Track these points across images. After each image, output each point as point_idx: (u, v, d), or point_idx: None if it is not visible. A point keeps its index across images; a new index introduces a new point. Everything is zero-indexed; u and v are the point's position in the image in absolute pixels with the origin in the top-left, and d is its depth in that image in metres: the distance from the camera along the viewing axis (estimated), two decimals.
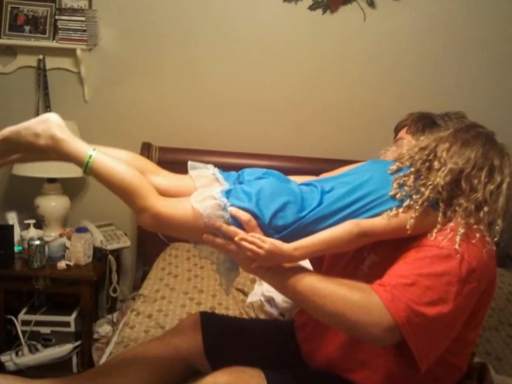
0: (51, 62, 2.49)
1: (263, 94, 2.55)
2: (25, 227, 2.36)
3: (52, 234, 2.44)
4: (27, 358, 2.29)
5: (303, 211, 1.16)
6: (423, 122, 1.42)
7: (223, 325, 1.59)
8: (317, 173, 1.43)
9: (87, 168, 1.16)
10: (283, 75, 2.53)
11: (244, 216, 1.13)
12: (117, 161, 1.18)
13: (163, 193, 1.21)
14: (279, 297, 1.85)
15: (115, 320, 2.36)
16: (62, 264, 2.29)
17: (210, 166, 1.28)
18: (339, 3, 2.44)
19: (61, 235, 2.44)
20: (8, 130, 1.19)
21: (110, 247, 2.40)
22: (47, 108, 2.50)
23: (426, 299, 1.07)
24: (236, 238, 1.12)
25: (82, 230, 2.34)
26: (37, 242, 2.25)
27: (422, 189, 1.16)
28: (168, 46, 2.50)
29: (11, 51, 2.49)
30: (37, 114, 2.45)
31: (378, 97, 2.55)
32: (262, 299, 1.94)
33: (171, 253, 2.41)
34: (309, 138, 2.60)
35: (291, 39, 2.49)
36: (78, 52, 2.38)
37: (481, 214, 1.13)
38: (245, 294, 2.10)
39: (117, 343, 1.76)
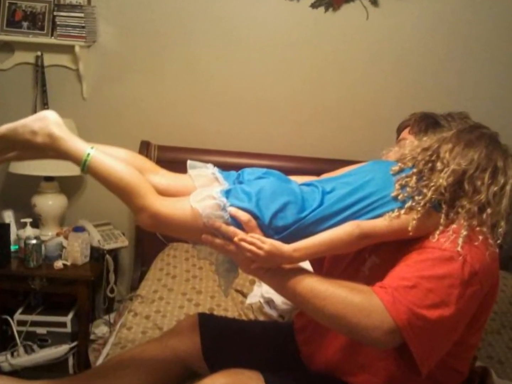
0: (49, 59, 2.49)
1: (264, 93, 2.55)
2: (22, 226, 2.36)
3: (49, 233, 2.44)
4: (23, 359, 2.29)
5: (303, 211, 1.15)
6: (426, 123, 1.42)
7: (221, 326, 1.59)
8: (318, 173, 1.43)
9: (85, 166, 1.15)
10: (284, 74, 2.53)
11: (243, 216, 1.13)
12: (115, 160, 1.18)
13: (162, 193, 1.20)
14: (278, 299, 1.85)
15: (112, 321, 2.36)
16: (59, 264, 2.29)
17: (210, 166, 1.28)
18: (342, 1, 2.44)
19: (58, 234, 2.44)
20: (5, 128, 1.19)
21: (107, 246, 2.40)
22: (45, 105, 2.50)
23: (427, 301, 1.07)
24: (236, 239, 1.12)
25: (79, 229, 2.34)
26: (34, 241, 2.25)
27: (425, 190, 1.16)
28: (168, 44, 2.50)
29: (8, 47, 2.49)
30: (34, 111, 2.45)
31: (380, 96, 2.55)
32: (261, 300, 1.94)
33: (169, 254, 2.41)
34: (310, 138, 2.60)
35: (293, 37, 2.49)
36: (77, 49, 2.38)
37: (484, 216, 1.13)
38: (244, 295, 2.10)
39: (114, 344, 1.76)
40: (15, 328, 2.33)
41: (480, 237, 1.12)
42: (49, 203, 2.43)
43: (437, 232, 1.14)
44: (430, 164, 1.19)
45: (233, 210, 1.14)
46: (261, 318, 1.90)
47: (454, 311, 1.07)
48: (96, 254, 2.39)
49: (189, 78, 2.54)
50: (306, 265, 1.26)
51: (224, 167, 1.30)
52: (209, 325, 1.56)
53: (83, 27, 2.35)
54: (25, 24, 2.39)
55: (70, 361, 2.38)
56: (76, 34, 2.36)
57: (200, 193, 1.17)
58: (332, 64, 2.52)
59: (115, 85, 2.55)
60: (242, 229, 1.13)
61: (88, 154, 1.15)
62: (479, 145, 1.18)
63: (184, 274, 2.25)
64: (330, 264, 1.40)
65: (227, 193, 1.17)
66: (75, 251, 2.30)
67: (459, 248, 1.10)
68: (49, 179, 2.43)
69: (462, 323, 1.14)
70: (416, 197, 1.15)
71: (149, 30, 2.49)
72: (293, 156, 2.53)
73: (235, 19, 2.47)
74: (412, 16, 2.46)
